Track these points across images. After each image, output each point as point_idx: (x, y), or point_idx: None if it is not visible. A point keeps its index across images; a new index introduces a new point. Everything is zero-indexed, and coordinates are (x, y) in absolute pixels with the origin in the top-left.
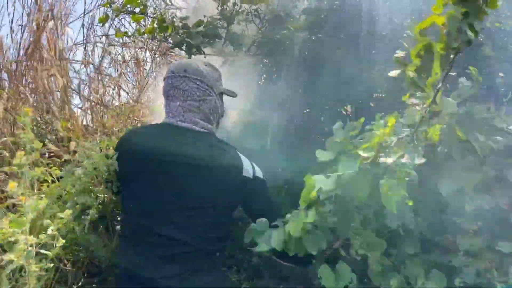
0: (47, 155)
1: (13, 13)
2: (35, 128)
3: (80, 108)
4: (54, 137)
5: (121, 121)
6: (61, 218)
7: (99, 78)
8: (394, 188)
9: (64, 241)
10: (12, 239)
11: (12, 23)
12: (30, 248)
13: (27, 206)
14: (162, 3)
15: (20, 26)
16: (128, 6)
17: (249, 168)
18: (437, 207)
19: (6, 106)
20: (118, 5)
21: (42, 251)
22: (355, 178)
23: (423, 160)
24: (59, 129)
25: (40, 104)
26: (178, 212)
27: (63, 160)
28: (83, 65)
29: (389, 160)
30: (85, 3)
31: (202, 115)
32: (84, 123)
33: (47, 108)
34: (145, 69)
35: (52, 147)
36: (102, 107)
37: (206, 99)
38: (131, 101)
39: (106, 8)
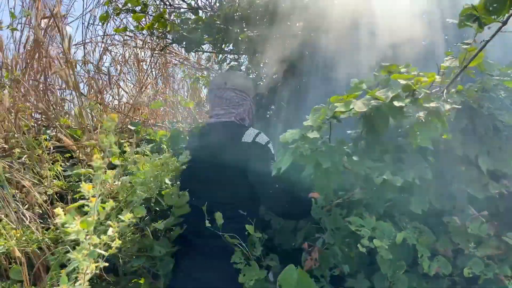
0: (52, 149)
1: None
2: (35, 125)
3: (79, 106)
4: (63, 133)
5: (121, 119)
6: (122, 220)
7: (99, 77)
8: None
9: (120, 242)
10: (74, 236)
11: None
12: (93, 248)
13: (96, 208)
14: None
15: (20, 24)
16: (129, 4)
17: (251, 137)
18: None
19: (11, 103)
20: (119, 4)
21: (99, 250)
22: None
23: (456, 107)
24: (77, 124)
25: (41, 101)
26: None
27: (68, 156)
28: (83, 64)
29: (429, 104)
30: (83, 3)
31: (239, 116)
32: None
33: (48, 106)
34: (145, 68)
35: (66, 140)
36: (101, 106)
37: (243, 103)
38: (130, 100)
39: (106, 7)
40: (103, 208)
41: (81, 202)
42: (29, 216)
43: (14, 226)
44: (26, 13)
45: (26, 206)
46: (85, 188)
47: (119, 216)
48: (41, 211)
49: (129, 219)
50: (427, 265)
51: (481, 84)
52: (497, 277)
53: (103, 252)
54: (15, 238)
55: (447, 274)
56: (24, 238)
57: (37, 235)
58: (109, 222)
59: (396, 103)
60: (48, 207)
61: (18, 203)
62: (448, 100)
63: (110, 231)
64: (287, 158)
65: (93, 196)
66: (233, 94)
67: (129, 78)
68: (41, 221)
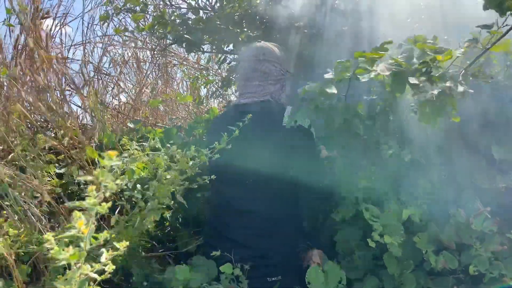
0: (47, 148)
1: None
2: (32, 126)
3: (79, 106)
4: (53, 134)
5: (121, 120)
6: (117, 248)
7: (99, 77)
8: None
9: (114, 267)
10: (63, 262)
11: (9, 20)
12: (83, 277)
13: (88, 239)
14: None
15: (18, 25)
16: (128, 4)
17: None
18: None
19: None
20: (119, 5)
21: (92, 274)
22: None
23: (470, 91)
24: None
25: (38, 101)
26: None
27: (61, 157)
28: (82, 64)
29: (444, 83)
30: (83, 3)
31: (276, 95)
32: (84, 122)
33: (44, 106)
34: (145, 69)
35: (51, 142)
36: (101, 106)
37: (281, 79)
38: (130, 100)
39: (106, 7)
40: (96, 238)
41: (69, 233)
42: (36, 215)
43: (20, 227)
44: (23, 8)
45: (28, 207)
46: (78, 223)
47: (114, 243)
48: (48, 210)
49: (124, 248)
50: (434, 260)
51: (507, 69)
52: (502, 275)
53: (96, 277)
54: (15, 240)
55: (453, 268)
56: (27, 239)
57: (44, 235)
58: (104, 249)
59: (411, 80)
60: (55, 206)
61: (21, 203)
62: (462, 82)
63: (103, 258)
64: (302, 111)
65: (85, 227)
66: (273, 67)
67: (129, 78)
68: (48, 218)
